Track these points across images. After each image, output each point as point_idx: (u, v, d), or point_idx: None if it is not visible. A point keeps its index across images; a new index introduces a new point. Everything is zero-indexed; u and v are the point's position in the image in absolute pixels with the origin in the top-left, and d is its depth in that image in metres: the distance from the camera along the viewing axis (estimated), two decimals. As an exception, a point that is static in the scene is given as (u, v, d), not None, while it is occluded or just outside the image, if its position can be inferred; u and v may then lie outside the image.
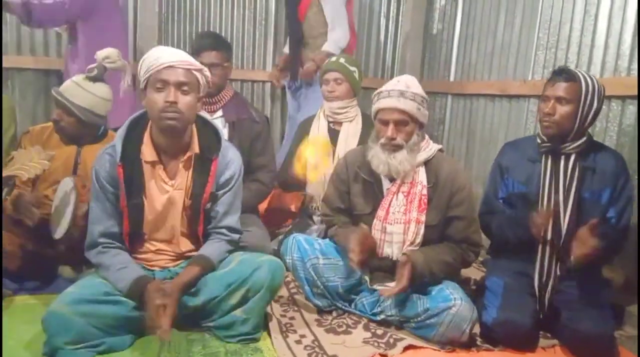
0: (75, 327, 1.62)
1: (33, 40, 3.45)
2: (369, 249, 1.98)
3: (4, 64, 3.31)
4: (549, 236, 1.96)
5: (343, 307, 2.10)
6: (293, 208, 3.07)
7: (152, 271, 1.91)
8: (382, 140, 1.96)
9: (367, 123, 2.80)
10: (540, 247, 1.98)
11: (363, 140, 2.69)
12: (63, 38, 3.35)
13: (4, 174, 1.81)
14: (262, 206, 3.21)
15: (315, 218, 2.73)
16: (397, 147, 1.95)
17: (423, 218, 1.99)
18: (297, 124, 3.07)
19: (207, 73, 1.87)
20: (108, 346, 1.70)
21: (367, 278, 2.05)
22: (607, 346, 1.80)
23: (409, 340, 1.88)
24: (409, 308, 1.94)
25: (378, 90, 2.01)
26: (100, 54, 2.30)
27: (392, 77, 4.14)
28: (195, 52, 2.41)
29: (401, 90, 1.94)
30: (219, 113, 2.50)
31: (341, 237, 2.07)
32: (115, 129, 2.32)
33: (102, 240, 1.83)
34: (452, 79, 3.80)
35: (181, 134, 1.82)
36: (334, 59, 2.79)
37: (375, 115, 2.03)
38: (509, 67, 3.16)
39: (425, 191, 2.00)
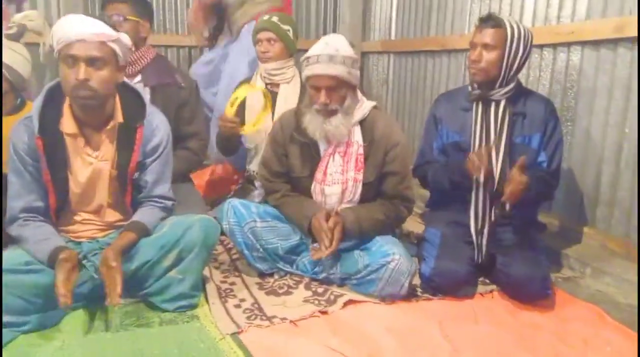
0: None
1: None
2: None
3: None
4: (481, 181, 1.97)
5: (284, 268, 2.07)
6: (235, 177, 3.02)
7: (80, 243, 1.83)
8: (316, 106, 1.92)
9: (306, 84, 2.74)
10: (473, 193, 1.99)
11: (302, 101, 2.63)
12: None
13: None
14: (205, 177, 3.15)
15: (256, 183, 2.67)
16: (332, 112, 1.91)
17: (360, 177, 1.98)
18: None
19: (127, 41, 1.74)
20: (33, 324, 1.62)
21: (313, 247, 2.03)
22: (541, 287, 1.84)
23: (349, 295, 1.87)
24: (349, 265, 1.94)
25: (306, 55, 1.93)
26: (19, 14, 2.20)
27: (334, 38, 4.11)
28: (103, 6, 2.28)
29: (330, 54, 1.86)
30: (138, 78, 2.36)
31: (290, 209, 2.03)
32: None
33: (22, 215, 1.73)
34: (392, 37, 3.76)
35: (100, 107, 1.72)
36: (266, 17, 2.69)
37: (307, 81, 1.96)
38: (446, 21, 3.15)
39: (361, 150, 1.98)
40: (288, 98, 2.69)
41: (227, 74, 3.23)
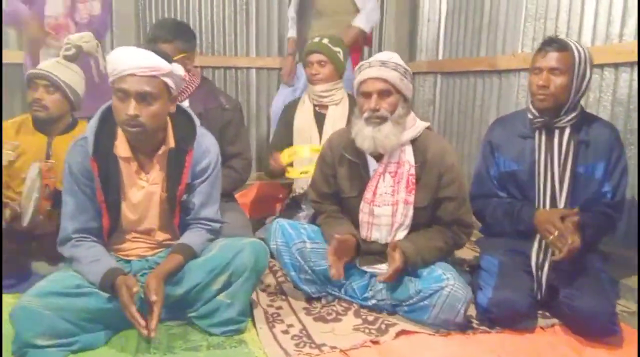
0: (45, 322, 1.53)
1: (7, 34, 3.32)
2: (348, 253, 1.91)
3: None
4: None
5: (333, 292, 2.01)
6: (280, 195, 2.99)
7: (129, 261, 1.83)
8: (366, 114, 1.88)
9: (354, 106, 2.69)
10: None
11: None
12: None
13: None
14: (250, 196, 3.14)
15: (302, 205, 2.64)
16: (382, 120, 1.86)
17: (411, 199, 1.91)
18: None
19: (180, 71, 1.73)
20: (82, 344, 1.61)
21: (356, 261, 1.97)
22: (608, 322, 1.72)
23: (402, 325, 1.79)
24: (400, 291, 1.86)
25: (359, 64, 1.93)
26: (75, 35, 2.26)
27: (379, 59, 4.08)
28: (150, 42, 2.27)
29: (382, 60, 1.88)
30: (186, 103, 2.36)
31: (325, 231, 2.00)
32: (86, 118, 2.27)
33: (75, 235, 1.74)
34: (440, 57, 3.70)
35: (152, 136, 1.71)
36: (316, 39, 2.68)
37: (358, 90, 1.94)
38: (497, 41, 3.07)
39: (412, 171, 1.91)
40: (336, 120, 2.66)
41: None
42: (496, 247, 1.98)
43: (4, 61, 3.30)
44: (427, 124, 2.01)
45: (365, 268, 1.96)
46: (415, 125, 1.95)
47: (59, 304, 1.57)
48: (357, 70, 1.92)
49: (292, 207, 2.71)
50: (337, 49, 2.66)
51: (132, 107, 1.60)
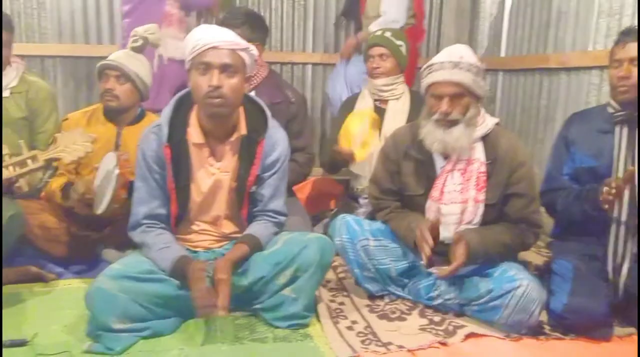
0: (120, 303, 1.58)
1: (73, 28, 3.44)
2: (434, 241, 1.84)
3: (45, 52, 3.35)
4: (623, 215, 1.79)
5: (395, 292, 1.98)
6: (336, 191, 2.98)
7: (196, 252, 1.85)
8: (436, 116, 1.82)
9: (415, 100, 2.65)
10: (613, 226, 1.81)
11: (411, 118, 2.54)
12: (102, 25, 3.39)
13: (47, 156, 1.78)
14: (305, 192, 3.13)
15: (360, 201, 2.61)
16: (453, 122, 1.81)
17: (482, 197, 1.85)
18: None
19: (254, 51, 1.77)
20: (153, 330, 1.65)
21: (422, 262, 1.92)
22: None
23: (470, 327, 1.74)
24: (470, 290, 1.81)
25: (429, 63, 1.86)
26: (141, 27, 2.33)
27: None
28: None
29: (454, 61, 1.78)
30: (252, 94, 2.39)
31: (398, 224, 1.95)
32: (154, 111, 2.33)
33: (145, 221, 1.78)
34: (502, 54, 3.59)
35: (227, 118, 1.75)
36: (379, 32, 2.64)
37: (426, 90, 1.88)
38: (566, 38, 2.94)
39: (483, 168, 1.86)
40: (396, 115, 2.62)
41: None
42: (570, 251, 1.89)
43: (66, 54, 3.44)
44: (496, 119, 1.95)
45: (432, 270, 1.90)
46: (486, 123, 1.90)
47: (132, 288, 1.61)
48: (426, 69, 1.84)
49: (349, 204, 2.69)
50: (399, 42, 2.61)
51: (215, 78, 1.64)
